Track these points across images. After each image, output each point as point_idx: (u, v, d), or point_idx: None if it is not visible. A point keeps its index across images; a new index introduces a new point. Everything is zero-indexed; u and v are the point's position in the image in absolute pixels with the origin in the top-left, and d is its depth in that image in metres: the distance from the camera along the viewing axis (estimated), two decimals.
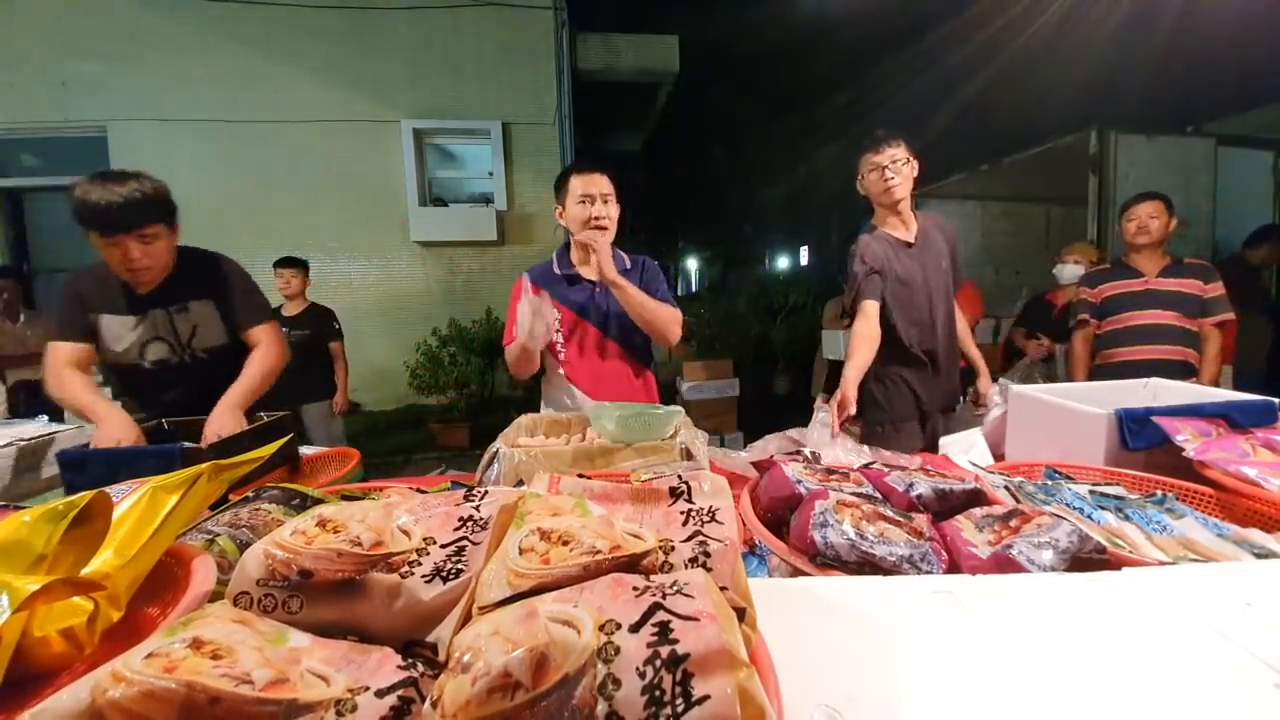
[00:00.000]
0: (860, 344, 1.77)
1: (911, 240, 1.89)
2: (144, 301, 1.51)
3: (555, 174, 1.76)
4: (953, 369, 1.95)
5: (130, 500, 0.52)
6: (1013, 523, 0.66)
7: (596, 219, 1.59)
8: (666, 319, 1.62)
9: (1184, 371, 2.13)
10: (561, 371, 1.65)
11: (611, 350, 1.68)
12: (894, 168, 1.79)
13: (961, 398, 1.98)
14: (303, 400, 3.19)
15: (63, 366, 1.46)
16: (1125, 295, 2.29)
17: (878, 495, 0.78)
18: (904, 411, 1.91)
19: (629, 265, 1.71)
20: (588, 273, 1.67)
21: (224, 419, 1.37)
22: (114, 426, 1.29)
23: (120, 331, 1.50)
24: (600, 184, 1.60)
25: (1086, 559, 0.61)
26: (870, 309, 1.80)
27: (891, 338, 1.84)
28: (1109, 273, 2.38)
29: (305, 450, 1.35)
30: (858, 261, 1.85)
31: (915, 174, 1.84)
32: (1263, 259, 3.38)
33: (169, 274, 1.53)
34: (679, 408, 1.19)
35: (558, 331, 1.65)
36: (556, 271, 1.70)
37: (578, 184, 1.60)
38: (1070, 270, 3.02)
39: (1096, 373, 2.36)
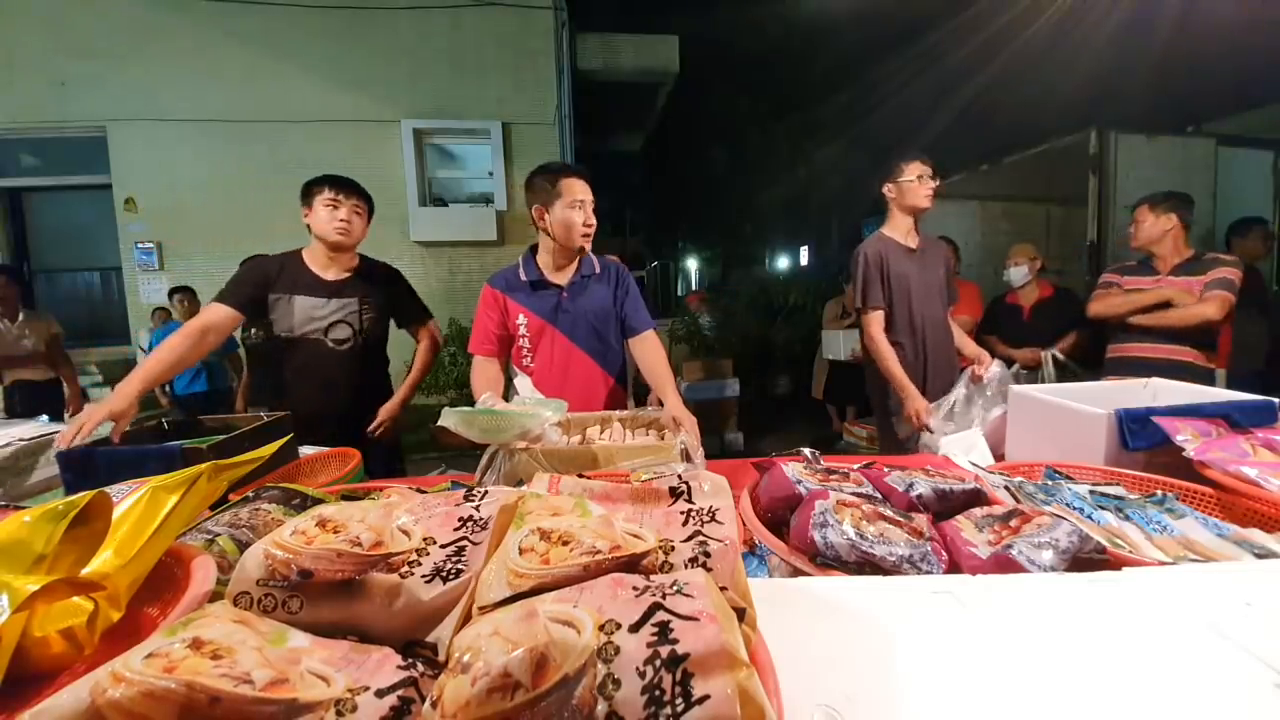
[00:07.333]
0: (885, 348, 2.01)
1: (914, 247, 2.10)
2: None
3: None
4: (943, 365, 2.10)
5: (130, 500, 0.52)
6: (1013, 523, 0.66)
7: (588, 226, 1.59)
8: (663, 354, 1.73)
9: (1197, 375, 2.10)
10: (530, 380, 1.60)
11: (579, 357, 1.65)
12: (933, 183, 2.01)
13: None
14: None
15: None
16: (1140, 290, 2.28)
17: (878, 495, 0.78)
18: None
19: (597, 270, 1.69)
20: (555, 278, 1.65)
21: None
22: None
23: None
24: (589, 191, 1.60)
25: (1086, 559, 0.61)
26: (878, 318, 2.04)
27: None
28: (1133, 268, 2.37)
29: (305, 450, 1.35)
30: (863, 260, 2.07)
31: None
32: (1249, 253, 3.35)
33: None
34: (560, 402, 1.11)
35: (524, 338, 1.63)
36: (522, 277, 1.65)
37: (575, 187, 1.56)
38: (1017, 272, 2.99)
39: (1108, 366, 2.37)
